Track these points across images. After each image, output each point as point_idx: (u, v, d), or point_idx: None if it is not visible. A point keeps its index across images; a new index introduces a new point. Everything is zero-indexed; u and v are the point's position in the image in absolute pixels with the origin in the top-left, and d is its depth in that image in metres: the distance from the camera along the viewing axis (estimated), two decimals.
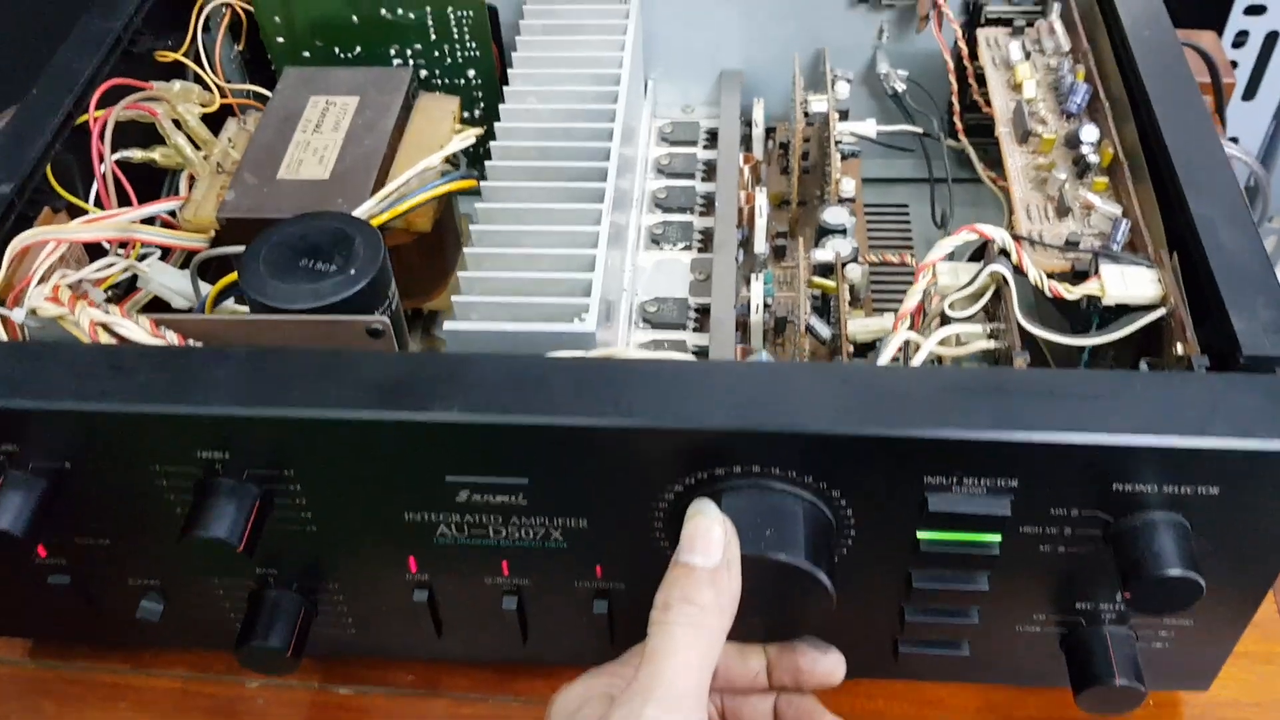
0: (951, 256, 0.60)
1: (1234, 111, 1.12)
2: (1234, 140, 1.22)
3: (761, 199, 0.80)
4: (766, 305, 0.77)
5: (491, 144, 0.72)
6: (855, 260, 0.73)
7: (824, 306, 0.72)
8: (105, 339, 0.57)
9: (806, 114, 0.81)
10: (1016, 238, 0.63)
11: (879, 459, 0.51)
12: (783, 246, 0.82)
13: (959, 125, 0.80)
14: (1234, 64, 1.21)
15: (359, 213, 0.69)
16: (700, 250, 0.81)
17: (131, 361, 0.55)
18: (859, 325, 0.68)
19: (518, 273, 0.64)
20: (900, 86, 0.86)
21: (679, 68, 0.90)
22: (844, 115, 0.82)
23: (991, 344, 0.58)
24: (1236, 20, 1.15)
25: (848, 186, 0.78)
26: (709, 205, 0.83)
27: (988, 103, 0.80)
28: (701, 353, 0.74)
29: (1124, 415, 0.50)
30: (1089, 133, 0.67)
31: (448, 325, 0.61)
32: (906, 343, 0.58)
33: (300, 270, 0.63)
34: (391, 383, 0.53)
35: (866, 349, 0.69)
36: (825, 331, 0.68)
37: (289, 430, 0.53)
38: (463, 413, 0.52)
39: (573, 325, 0.60)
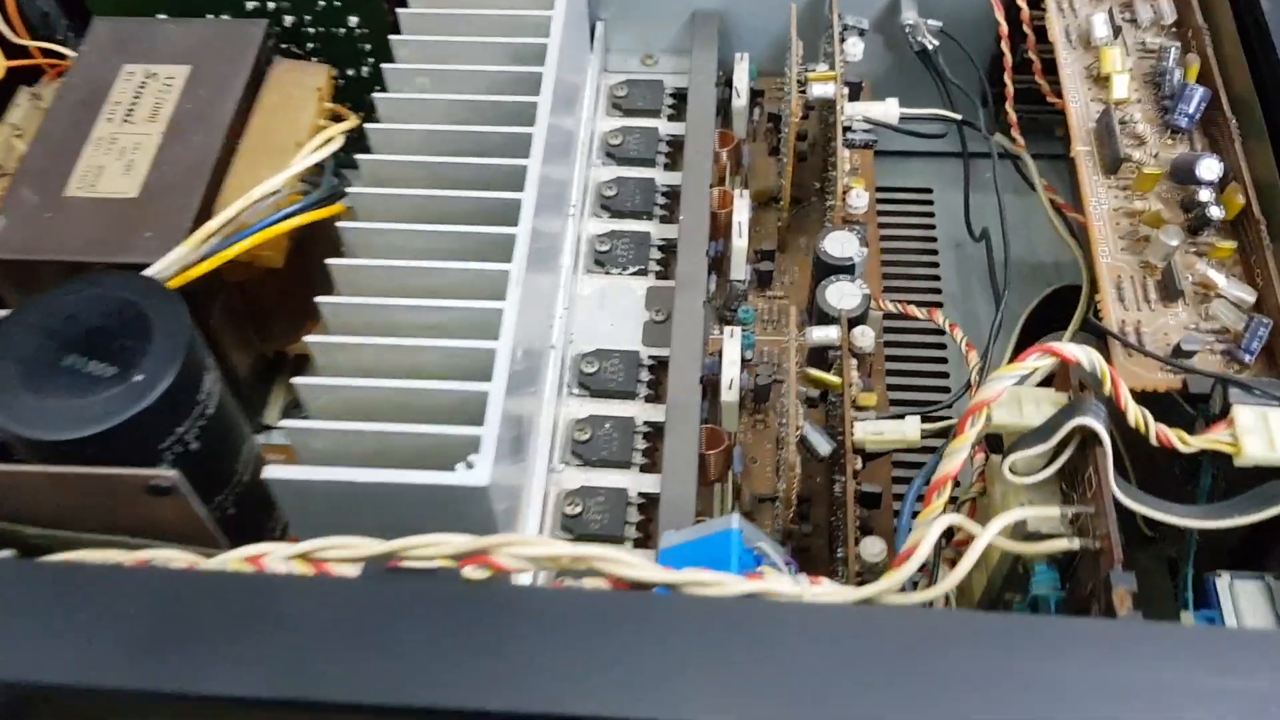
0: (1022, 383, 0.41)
1: None
2: None
3: (742, 208, 0.60)
4: (745, 361, 0.58)
5: (360, 160, 0.51)
6: (864, 316, 0.54)
7: (822, 398, 0.53)
8: None
9: (803, 89, 0.60)
10: (1103, 337, 0.44)
11: None
12: (769, 272, 0.62)
13: (1011, 117, 0.59)
14: None
15: (168, 262, 0.49)
16: (659, 275, 0.61)
17: None
18: (869, 430, 0.49)
19: (383, 380, 0.44)
20: (931, 42, 0.64)
21: (638, 5, 0.68)
22: (855, 92, 0.61)
23: (1075, 543, 0.39)
24: None
25: (858, 200, 0.58)
26: (673, 204, 0.62)
27: (1048, 73, 0.59)
28: (655, 431, 0.54)
29: None
30: (1208, 168, 0.47)
31: (269, 471, 0.42)
32: (950, 532, 0.39)
33: (63, 375, 0.44)
34: (153, 632, 0.34)
35: (874, 458, 0.50)
36: (824, 447, 0.49)
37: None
38: (256, 684, 0.33)
39: (455, 476, 0.41)
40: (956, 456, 0.40)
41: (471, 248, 0.49)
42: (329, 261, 0.48)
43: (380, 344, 0.45)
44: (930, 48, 0.65)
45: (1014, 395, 0.42)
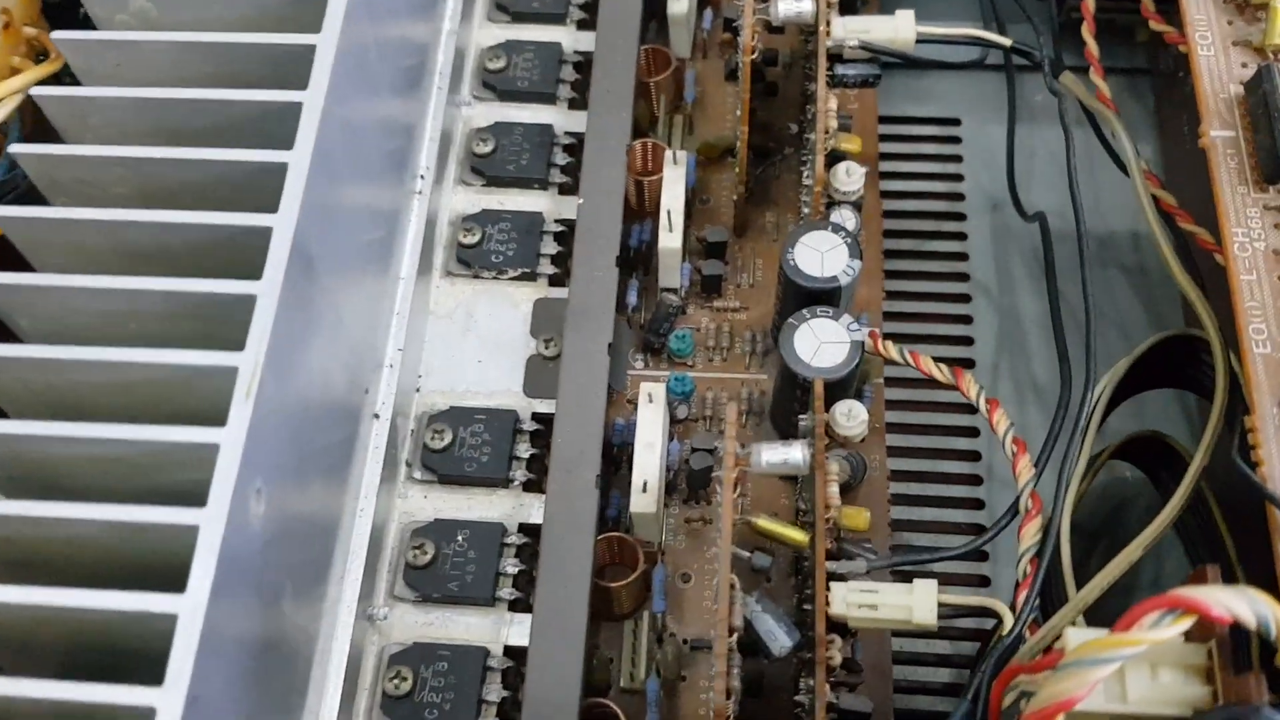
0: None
1: None
2: None
3: (676, 180, 0.40)
4: (677, 421, 0.39)
5: (16, 155, 0.31)
6: (852, 378, 0.34)
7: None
8: None
9: None
10: (1261, 500, 0.25)
11: None
12: (717, 276, 0.42)
13: (1090, 49, 0.38)
14: None
15: None
16: (555, 280, 0.41)
17: None
18: (856, 599, 0.30)
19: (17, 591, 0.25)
20: None
21: None
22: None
23: None
24: None
25: (848, 178, 0.37)
26: (576, 162, 0.42)
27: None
28: (529, 538, 0.36)
29: None
30: None
31: None
32: None
33: None
34: None
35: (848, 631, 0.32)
36: (781, 640, 0.30)
37: None
38: None
39: None
40: None
41: (197, 314, 0.29)
42: None
43: (7, 513, 0.26)
44: None
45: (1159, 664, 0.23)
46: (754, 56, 0.38)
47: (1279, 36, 0.30)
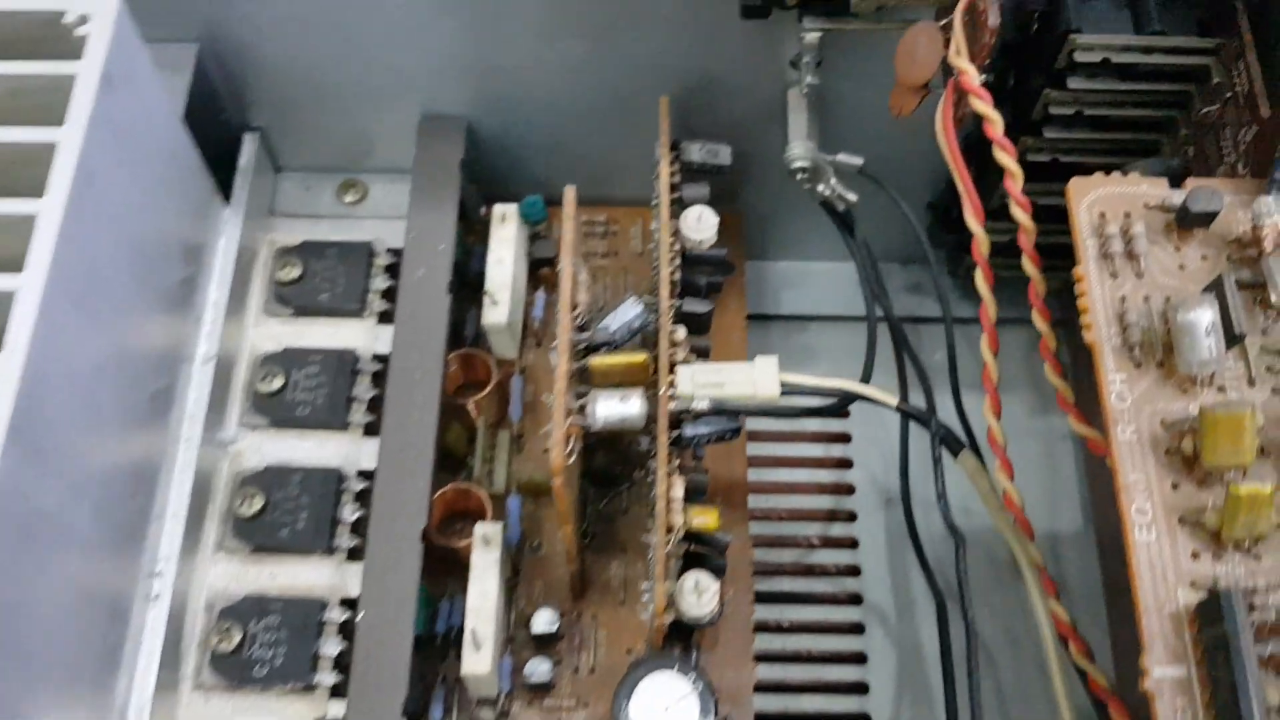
0: None
1: None
2: None
3: (487, 561, 0.32)
4: None
5: None
6: None
7: None
8: None
9: (582, 398, 0.31)
10: None
11: None
12: (545, 684, 0.33)
13: (994, 432, 0.30)
14: None
15: None
16: (337, 690, 0.32)
17: None
18: None
19: None
20: (849, 196, 0.35)
21: (321, 101, 0.38)
22: (698, 324, 0.32)
23: None
24: None
25: (698, 601, 0.29)
26: (369, 513, 0.34)
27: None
28: None
29: None
30: None
31: None
32: None
33: None
34: None
35: None
36: None
37: None
38: None
39: None
40: None
41: None
42: None
43: None
44: (847, 203, 0.35)
45: None
46: (562, 469, 0.29)
47: (1240, 529, 0.23)
